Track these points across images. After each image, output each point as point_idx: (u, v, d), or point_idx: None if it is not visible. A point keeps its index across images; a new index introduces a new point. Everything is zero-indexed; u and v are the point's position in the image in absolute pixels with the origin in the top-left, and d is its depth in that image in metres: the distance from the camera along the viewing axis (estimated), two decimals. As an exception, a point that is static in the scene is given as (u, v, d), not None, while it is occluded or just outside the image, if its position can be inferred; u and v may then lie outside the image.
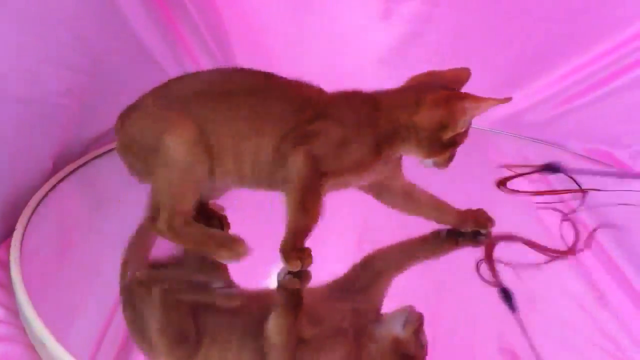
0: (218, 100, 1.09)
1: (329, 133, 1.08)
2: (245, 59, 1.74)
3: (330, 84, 1.78)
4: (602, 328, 1.10)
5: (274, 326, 1.04)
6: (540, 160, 1.53)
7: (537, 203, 1.41)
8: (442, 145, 1.10)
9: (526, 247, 1.25)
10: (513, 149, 1.66)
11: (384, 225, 1.29)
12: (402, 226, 1.26)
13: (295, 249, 1.10)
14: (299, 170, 1.06)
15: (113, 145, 1.24)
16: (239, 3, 1.73)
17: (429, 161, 1.13)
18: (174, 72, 1.59)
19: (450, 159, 1.14)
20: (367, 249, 1.24)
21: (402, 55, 1.72)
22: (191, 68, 1.65)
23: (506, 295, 1.12)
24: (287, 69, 1.73)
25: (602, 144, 1.62)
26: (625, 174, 1.57)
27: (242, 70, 1.15)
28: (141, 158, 1.10)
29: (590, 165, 1.59)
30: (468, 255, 1.23)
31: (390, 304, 1.10)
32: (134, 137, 1.10)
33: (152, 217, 1.09)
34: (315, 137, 1.08)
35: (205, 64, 1.70)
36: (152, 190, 1.09)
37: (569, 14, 1.60)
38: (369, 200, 1.21)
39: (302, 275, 1.11)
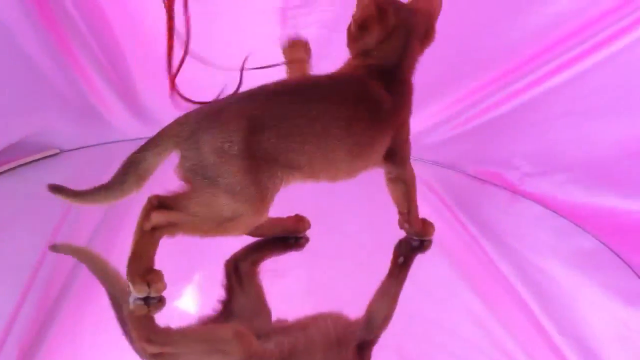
0: None
1: None
2: (144, 83, 1.77)
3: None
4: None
5: None
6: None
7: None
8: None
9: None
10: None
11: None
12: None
13: None
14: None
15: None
16: (138, 29, 1.74)
17: None
18: (64, 89, 1.60)
19: None
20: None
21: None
22: (84, 85, 1.67)
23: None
24: (191, 93, 1.78)
25: (493, 165, 1.68)
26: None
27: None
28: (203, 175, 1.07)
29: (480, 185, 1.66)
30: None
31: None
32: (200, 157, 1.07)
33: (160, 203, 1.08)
34: None
35: (100, 85, 1.70)
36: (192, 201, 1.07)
37: (463, 41, 1.66)
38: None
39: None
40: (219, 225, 1.08)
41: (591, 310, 1.24)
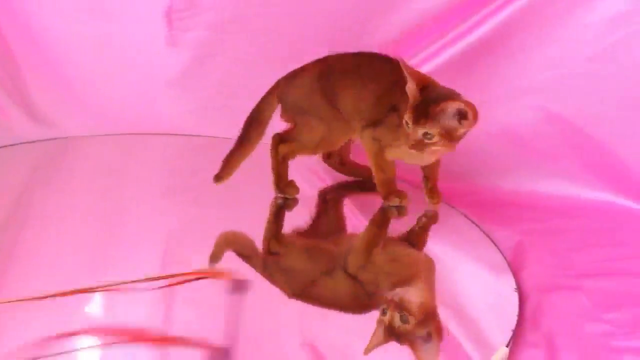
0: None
1: None
2: (38, 87, 1.81)
3: (123, 106, 1.88)
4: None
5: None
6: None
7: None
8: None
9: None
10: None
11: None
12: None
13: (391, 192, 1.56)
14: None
15: None
16: (29, 33, 1.78)
17: None
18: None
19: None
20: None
21: (189, 78, 1.85)
22: None
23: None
24: (83, 96, 1.82)
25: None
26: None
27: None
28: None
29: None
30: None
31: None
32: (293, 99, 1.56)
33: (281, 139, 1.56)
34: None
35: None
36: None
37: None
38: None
39: (401, 210, 1.56)
40: (319, 144, 1.56)
41: (465, 282, 1.41)
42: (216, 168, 1.54)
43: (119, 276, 1.25)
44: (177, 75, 1.84)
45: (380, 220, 1.59)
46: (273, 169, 1.57)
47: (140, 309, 1.22)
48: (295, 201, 1.58)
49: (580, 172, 1.73)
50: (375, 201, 1.58)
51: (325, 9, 1.77)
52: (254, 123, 1.56)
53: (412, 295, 1.29)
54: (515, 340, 1.22)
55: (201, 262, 1.34)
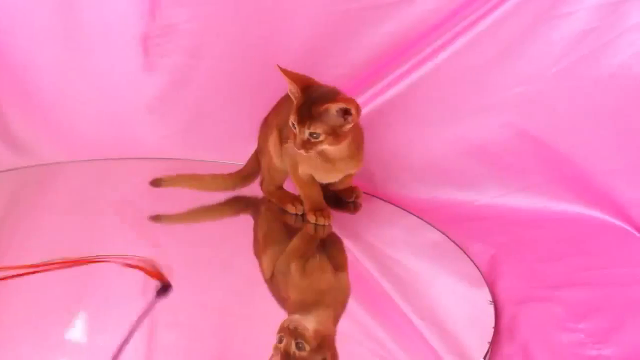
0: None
1: None
2: (14, 114, 1.82)
3: (102, 131, 1.88)
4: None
5: None
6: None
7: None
8: None
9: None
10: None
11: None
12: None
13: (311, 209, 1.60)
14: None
15: None
16: (5, 60, 1.79)
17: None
18: None
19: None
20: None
21: (167, 102, 1.87)
22: None
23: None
24: (60, 122, 1.83)
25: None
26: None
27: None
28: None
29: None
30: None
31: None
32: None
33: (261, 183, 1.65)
34: None
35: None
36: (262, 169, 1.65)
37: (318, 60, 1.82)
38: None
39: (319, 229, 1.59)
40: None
41: (442, 295, 1.45)
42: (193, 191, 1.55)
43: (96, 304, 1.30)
44: (155, 100, 1.86)
45: (303, 235, 1.61)
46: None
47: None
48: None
49: (549, 185, 1.78)
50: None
51: (301, 34, 1.79)
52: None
53: (309, 322, 1.27)
54: (493, 352, 1.26)
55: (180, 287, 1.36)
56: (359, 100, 1.81)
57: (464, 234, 1.64)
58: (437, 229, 1.65)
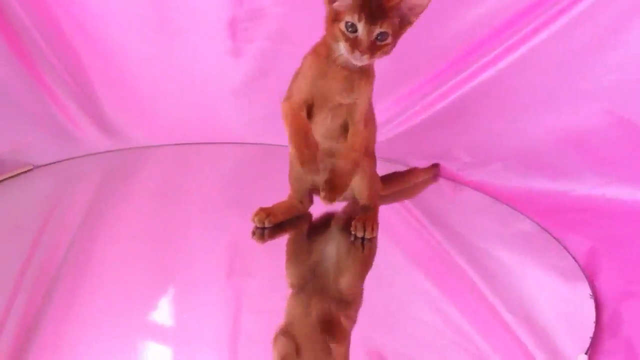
0: None
1: None
2: (108, 99, 1.84)
3: (189, 116, 1.90)
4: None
5: None
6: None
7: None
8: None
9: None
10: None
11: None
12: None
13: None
14: None
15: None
16: (99, 47, 1.82)
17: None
18: (35, 110, 1.72)
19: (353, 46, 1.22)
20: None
21: (253, 88, 1.87)
22: (52, 105, 1.76)
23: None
24: (148, 104, 1.85)
25: (435, 158, 1.82)
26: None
27: None
28: None
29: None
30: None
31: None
32: None
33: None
34: None
35: (67, 104, 1.79)
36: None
37: (402, 45, 1.79)
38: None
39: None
40: None
41: (535, 288, 1.38)
42: (280, 176, 1.52)
43: (181, 286, 1.29)
44: (241, 85, 1.87)
45: None
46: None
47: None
48: None
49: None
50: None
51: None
52: None
53: None
54: (593, 348, 1.20)
55: (265, 270, 1.36)
56: (450, 84, 1.81)
57: (560, 225, 1.57)
58: (531, 219, 1.59)
